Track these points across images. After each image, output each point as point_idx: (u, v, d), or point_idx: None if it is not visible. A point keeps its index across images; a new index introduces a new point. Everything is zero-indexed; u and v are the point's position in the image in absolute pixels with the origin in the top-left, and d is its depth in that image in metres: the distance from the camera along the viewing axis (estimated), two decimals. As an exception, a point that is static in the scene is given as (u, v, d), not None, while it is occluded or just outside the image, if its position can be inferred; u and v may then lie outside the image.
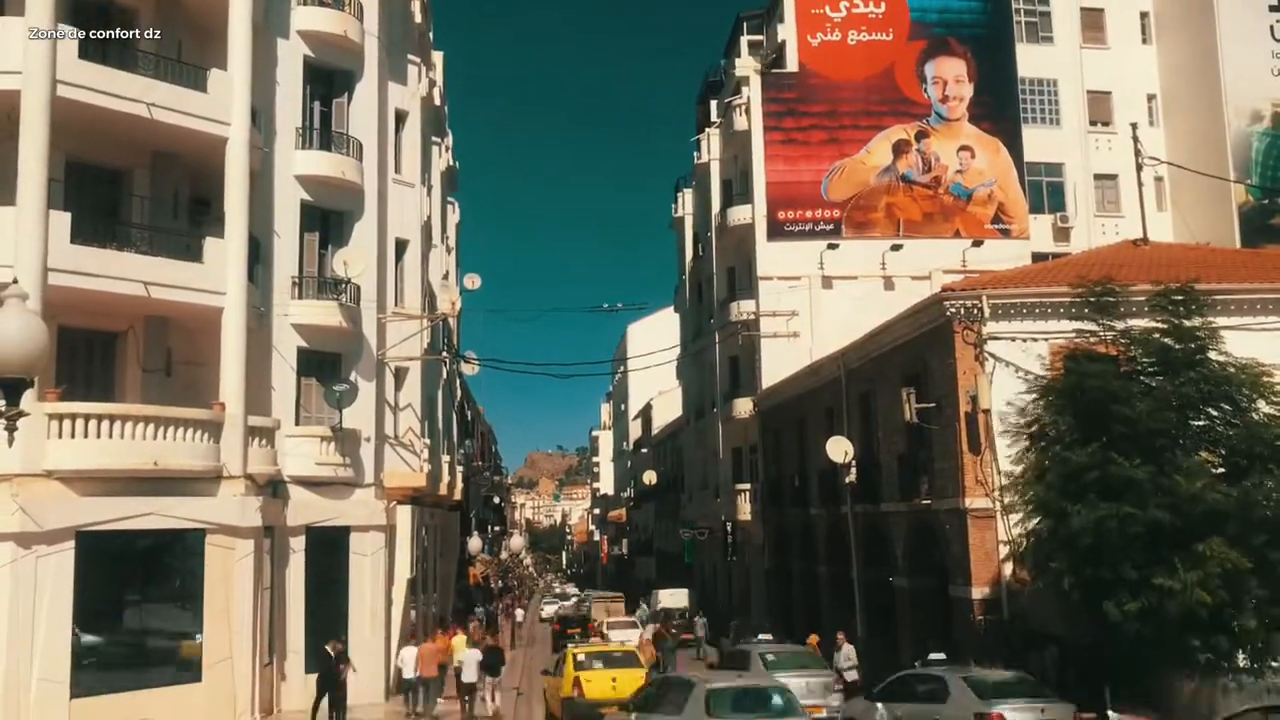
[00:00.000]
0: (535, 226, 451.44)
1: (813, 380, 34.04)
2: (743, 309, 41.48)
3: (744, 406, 41.89)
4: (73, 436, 20.47)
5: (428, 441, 31.13)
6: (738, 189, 44.26)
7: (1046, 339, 22.33)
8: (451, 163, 44.13)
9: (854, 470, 27.96)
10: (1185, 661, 16.20)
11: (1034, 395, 17.25)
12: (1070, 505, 15.50)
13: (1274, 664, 16.17)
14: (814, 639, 27.47)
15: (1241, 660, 16.17)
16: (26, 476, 20.10)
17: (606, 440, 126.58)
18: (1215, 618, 15.02)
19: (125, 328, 23.54)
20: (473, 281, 38.43)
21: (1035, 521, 17.37)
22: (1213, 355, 16.82)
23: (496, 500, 73.02)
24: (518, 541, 53.23)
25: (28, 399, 8.80)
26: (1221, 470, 16.10)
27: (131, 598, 21.88)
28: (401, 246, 29.89)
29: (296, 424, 25.65)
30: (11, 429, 8.08)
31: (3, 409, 7.89)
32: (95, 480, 20.81)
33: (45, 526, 20.06)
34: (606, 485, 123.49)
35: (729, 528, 43.30)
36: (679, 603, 44.77)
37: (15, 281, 13.08)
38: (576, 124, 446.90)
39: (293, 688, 24.43)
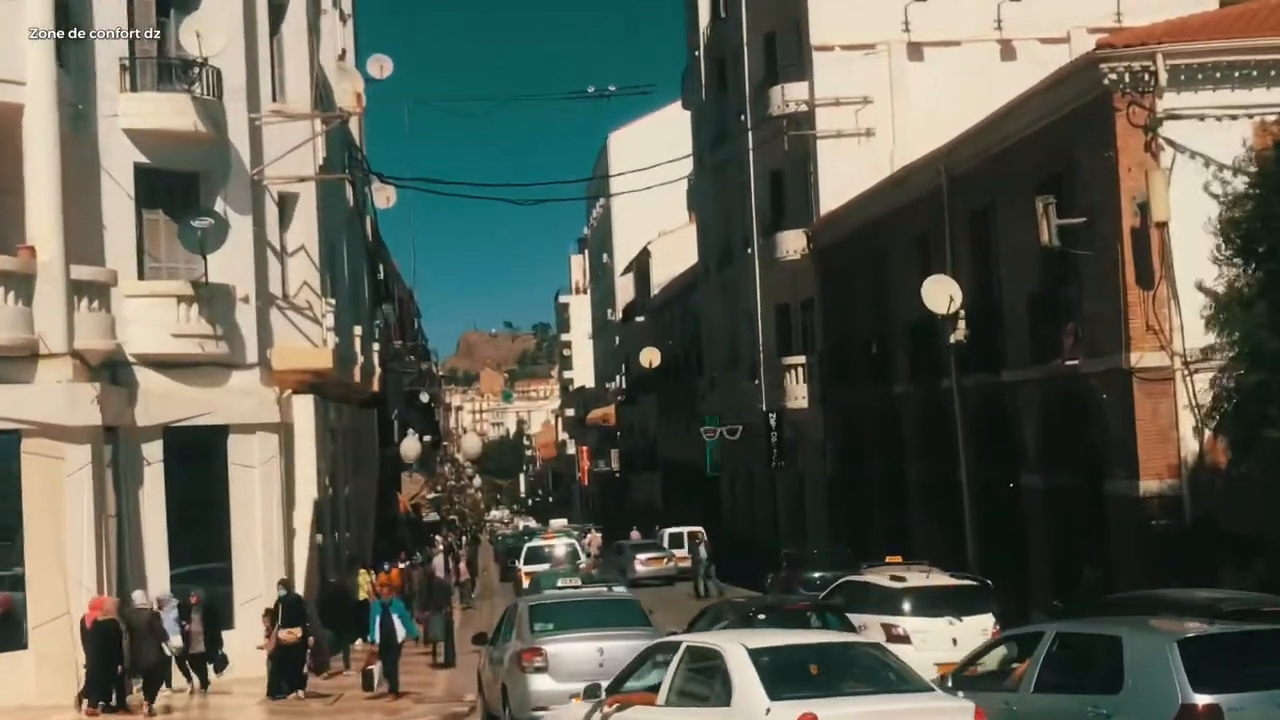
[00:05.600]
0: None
1: (898, 195, 34.23)
2: (789, 96, 41.34)
3: (794, 243, 42.09)
4: None
5: (331, 302, 31.25)
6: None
7: (1251, 115, 22.32)
8: (342, -112, 43.33)
9: (962, 324, 28.18)
10: None
11: (1246, 188, 17.39)
12: None
13: None
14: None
15: None
16: None
17: (581, 309, 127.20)
18: None
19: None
20: (381, 67, 38.17)
21: (1243, 371, 17.68)
22: None
23: (425, 398, 73.37)
24: (471, 442, 53.66)
25: None
26: None
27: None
28: (278, 12, 29.68)
29: (141, 278, 25.87)
30: None
31: None
32: None
33: None
34: (583, 375, 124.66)
35: (773, 421, 43.85)
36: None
37: None
38: None
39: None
